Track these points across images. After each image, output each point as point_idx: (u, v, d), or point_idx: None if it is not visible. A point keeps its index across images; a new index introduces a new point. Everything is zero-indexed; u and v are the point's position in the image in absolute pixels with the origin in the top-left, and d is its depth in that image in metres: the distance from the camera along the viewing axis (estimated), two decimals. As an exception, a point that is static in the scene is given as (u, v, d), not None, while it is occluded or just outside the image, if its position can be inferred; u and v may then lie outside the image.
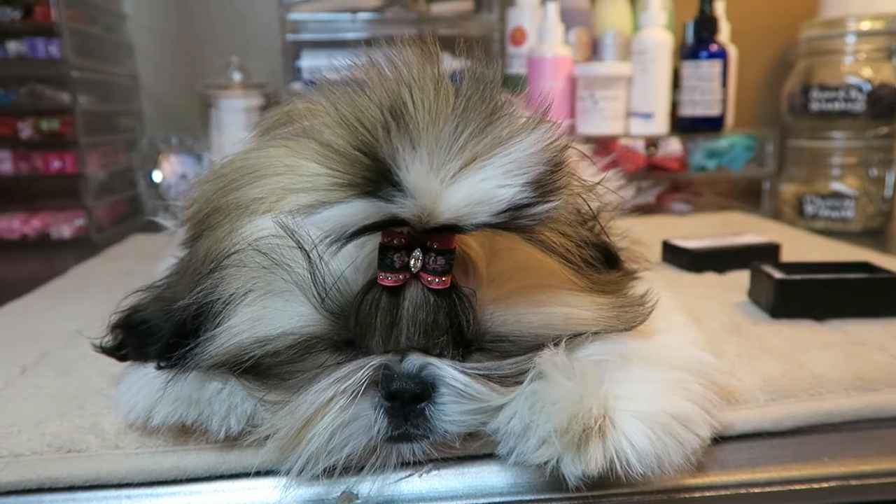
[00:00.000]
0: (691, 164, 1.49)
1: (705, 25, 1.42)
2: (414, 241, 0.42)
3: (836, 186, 1.34)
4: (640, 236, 0.81)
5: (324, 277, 0.43)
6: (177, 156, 1.47)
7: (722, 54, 1.41)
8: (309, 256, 0.43)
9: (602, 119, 1.43)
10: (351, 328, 0.44)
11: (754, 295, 0.79)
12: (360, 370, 0.44)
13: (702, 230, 1.13)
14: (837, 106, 1.32)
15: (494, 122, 0.41)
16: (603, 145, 1.41)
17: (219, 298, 0.45)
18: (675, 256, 0.98)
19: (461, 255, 0.44)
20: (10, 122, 1.28)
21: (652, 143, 1.46)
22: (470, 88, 0.42)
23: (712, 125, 1.45)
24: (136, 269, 1.00)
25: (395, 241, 0.42)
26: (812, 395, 0.56)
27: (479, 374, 0.45)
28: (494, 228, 0.40)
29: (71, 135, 1.30)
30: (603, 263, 0.52)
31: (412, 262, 0.42)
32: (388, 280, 0.42)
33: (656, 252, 1.00)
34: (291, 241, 0.43)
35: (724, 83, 1.42)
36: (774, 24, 1.63)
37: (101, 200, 1.38)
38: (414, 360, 0.44)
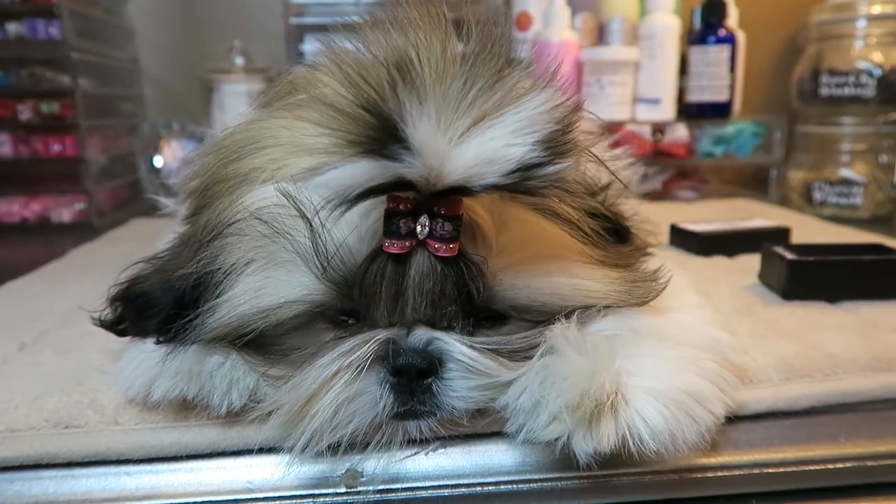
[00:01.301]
0: (698, 151, 1.48)
1: (713, 10, 1.40)
2: (420, 207, 0.41)
3: (845, 173, 1.32)
4: (648, 217, 0.79)
5: (326, 246, 0.42)
6: (178, 141, 1.46)
7: (730, 39, 1.39)
8: (311, 224, 0.42)
9: (608, 104, 1.41)
10: (355, 298, 0.43)
11: (765, 277, 0.77)
12: (366, 344, 0.43)
13: (709, 216, 1.12)
14: (847, 91, 1.30)
15: (503, 79, 0.39)
16: (609, 131, 1.40)
17: (219, 268, 0.44)
18: (684, 240, 0.97)
19: (469, 222, 0.42)
20: (10, 105, 1.27)
21: (659, 128, 1.44)
22: (478, 45, 0.40)
23: (720, 111, 1.43)
24: (136, 252, 0.97)
25: (400, 207, 0.40)
26: (827, 374, 0.54)
27: (488, 349, 0.44)
28: (503, 190, 0.39)
29: (71, 118, 1.28)
30: (614, 236, 0.51)
31: (419, 228, 0.41)
32: (393, 247, 0.41)
33: (664, 236, 0.98)
34: (293, 208, 0.42)
35: (732, 69, 1.40)
36: (784, 9, 1.60)
37: (101, 185, 1.36)
38: (420, 335, 0.43)
